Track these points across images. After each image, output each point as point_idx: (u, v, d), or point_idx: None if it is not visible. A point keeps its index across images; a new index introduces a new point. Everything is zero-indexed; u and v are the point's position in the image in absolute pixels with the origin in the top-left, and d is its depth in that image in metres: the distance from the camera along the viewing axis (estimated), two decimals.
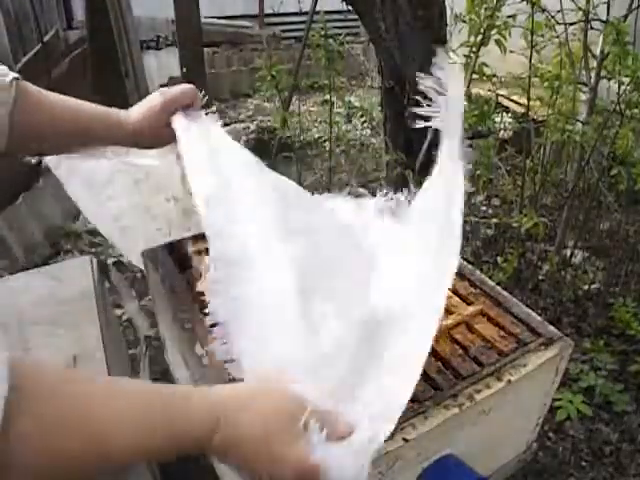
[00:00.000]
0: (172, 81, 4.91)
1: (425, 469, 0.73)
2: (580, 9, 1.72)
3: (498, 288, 0.97)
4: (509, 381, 0.77)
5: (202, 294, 0.85)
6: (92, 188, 1.00)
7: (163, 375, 0.73)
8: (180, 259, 1.01)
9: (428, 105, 0.77)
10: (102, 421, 0.46)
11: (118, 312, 1.98)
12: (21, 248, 2.47)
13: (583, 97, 2.00)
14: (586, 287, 2.13)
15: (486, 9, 1.63)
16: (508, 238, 2.23)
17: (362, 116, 4.61)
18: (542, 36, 1.85)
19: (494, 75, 2.14)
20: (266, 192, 0.78)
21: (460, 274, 0.99)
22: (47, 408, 0.43)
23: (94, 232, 2.81)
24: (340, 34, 2.58)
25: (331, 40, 2.43)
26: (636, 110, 1.79)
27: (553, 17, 1.77)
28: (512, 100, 3.18)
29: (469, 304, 0.93)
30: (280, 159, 2.75)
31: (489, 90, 2.32)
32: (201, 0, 3.64)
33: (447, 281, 0.65)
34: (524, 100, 1.94)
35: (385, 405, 0.57)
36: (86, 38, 3.06)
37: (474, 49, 1.71)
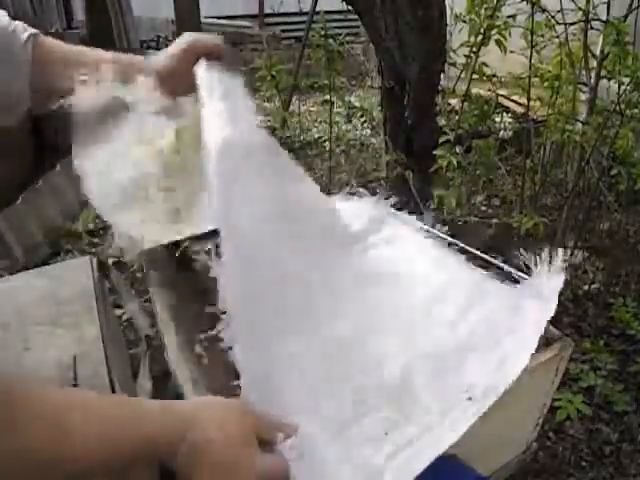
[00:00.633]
0: None
1: (424, 469, 0.73)
2: (580, 9, 1.72)
3: None
4: None
5: (202, 293, 0.86)
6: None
7: (163, 375, 0.73)
8: (180, 259, 1.00)
9: None
10: (63, 411, 0.45)
11: (118, 312, 1.98)
12: (21, 248, 2.47)
13: (583, 97, 2.00)
14: (586, 287, 2.13)
15: (486, 9, 1.63)
16: (508, 238, 2.23)
17: (362, 116, 4.61)
18: (542, 36, 1.85)
19: (494, 75, 2.14)
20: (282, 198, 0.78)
21: None
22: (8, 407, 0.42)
23: (94, 232, 2.81)
24: (340, 34, 2.59)
25: (331, 40, 2.43)
26: (636, 110, 1.79)
27: (553, 17, 1.77)
28: (512, 100, 3.18)
29: None
30: None
31: (489, 90, 2.33)
32: (201, 0, 3.65)
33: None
34: (524, 100, 1.94)
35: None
36: (86, 38, 3.06)
37: (474, 49, 1.72)
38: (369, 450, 0.59)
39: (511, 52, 1.74)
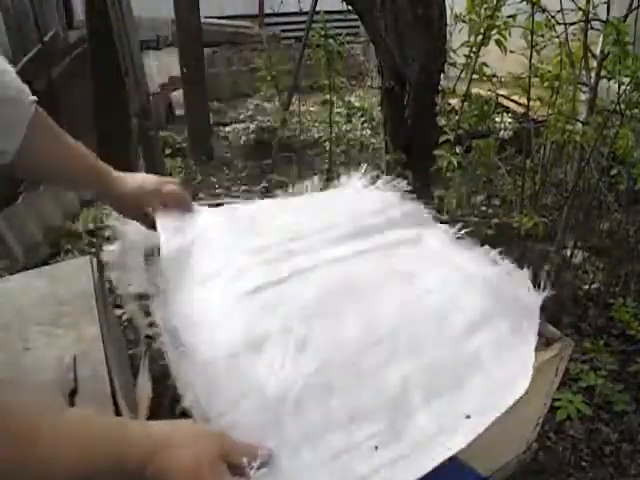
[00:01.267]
0: (172, 80, 4.91)
1: None
2: (580, 9, 1.71)
3: None
4: None
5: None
6: None
7: (163, 375, 0.73)
8: None
9: None
10: (37, 429, 0.47)
11: (118, 312, 1.98)
12: (21, 248, 2.47)
13: (583, 97, 2.00)
14: (586, 287, 2.13)
15: (486, 9, 1.62)
16: (508, 238, 2.23)
17: (362, 116, 4.61)
18: (542, 36, 1.85)
19: (494, 75, 2.14)
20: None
21: None
22: None
23: (94, 232, 2.81)
24: (340, 34, 2.59)
25: (331, 40, 2.43)
26: (636, 110, 1.78)
27: (553, 17, 1.77)
28: (512, 100, 3.18)
29: None
30: (280, 159, 2.75)
31: (489, 90, 2.32)
32: (201, 0, 3.64)
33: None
34: (524, 100, 1.94)
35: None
36: (86, 38, 3.06)
37: (474, 49, 1.71)
38: (356, 462, 0.59)
39: (511, 52, 1.73)
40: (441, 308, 0.79)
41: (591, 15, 1.72)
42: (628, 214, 2.16)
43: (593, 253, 2.33)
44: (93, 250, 2.63)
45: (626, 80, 1.66)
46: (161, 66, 5.18)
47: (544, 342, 0.83)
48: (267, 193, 2.66)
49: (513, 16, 1.69)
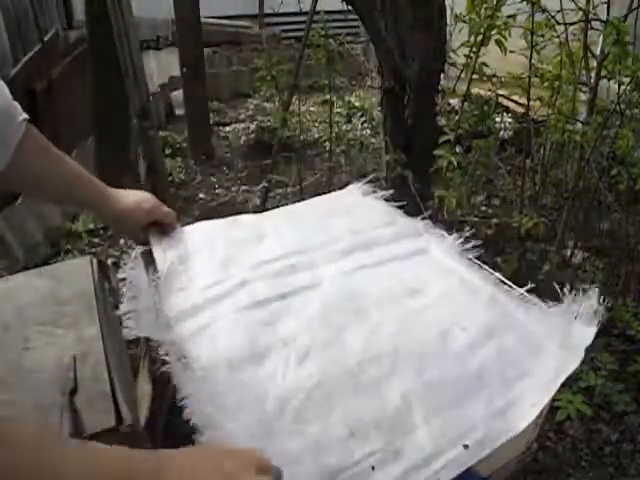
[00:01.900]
0: (172, 80, 4.91)
1: None
2: (580, 9, 1.71)
3: None
4: None
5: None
6: None
7: (163, 375, 0.73)
8: None
9: None
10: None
11: (118, 312, 1.98)
12: (21, 248, 2.47)
13: (583, 97, 2.00)
14: (586, 287, 2.12)
15: (486, 9, 1.62)
16: (508, 238, 2.24)
17: (362, 116, 4.61)
18: (542, 36, 1.85)
19: (494, 75, 2.14)
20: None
21: None
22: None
23: (94, 232, 2.81)
24: (340, 34, 2.59)
25: (331, 40, 2.43)
26: (636, 110, 1.79)
27: (553, 17, 1.77)
28: (512, 100, 3.18)
29: None
30: (280, 159, 2.75)
31: (489, 90, 2.33)
32: (201, 0, 3.64)
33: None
34: (524, 100, 1.94)
35: None
36: (86, 38, 3.06)
37: (474, 49, 1.71)
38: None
39: (511, 52, 1.73)
40: (444, 323, 0.79)
41: (591, 15, 1.72)
42: (628, 214, 2.16)
43: (593, 253, 2.33)
44: (93, 250, 2.63)
45: (626, 80, 1.67)
46: (161, 66, 5.18)
47: None
48: (267, 193, 2.66)
49: (513, 16, 1.69)
